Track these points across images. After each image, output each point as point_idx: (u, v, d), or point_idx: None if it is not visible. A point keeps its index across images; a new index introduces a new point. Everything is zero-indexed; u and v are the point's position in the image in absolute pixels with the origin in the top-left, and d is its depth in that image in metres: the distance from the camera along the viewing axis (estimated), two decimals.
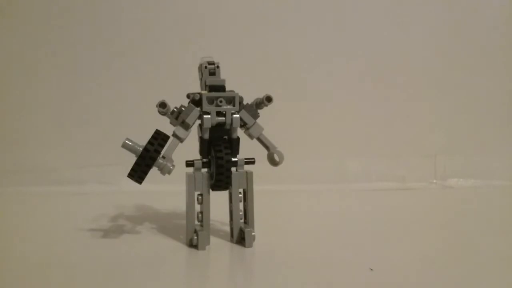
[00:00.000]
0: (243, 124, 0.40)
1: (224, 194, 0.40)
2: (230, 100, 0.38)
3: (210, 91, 0.38)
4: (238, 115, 0.38)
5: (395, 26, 0.78)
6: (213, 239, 0.40)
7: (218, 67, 0.39)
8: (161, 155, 0.37)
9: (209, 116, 0.38)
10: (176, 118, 0.39)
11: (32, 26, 0.77)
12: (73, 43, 0.77)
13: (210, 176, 0.39)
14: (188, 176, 0.39)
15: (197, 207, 0.39)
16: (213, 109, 0.38)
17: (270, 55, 0.76)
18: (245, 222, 0.40)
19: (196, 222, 0.39)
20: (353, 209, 0.58)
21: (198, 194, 0.39)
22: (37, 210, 0.58)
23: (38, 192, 0.68)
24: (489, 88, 0.77)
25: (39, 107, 0.77)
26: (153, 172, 0.37)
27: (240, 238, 0.39)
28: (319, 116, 0.75)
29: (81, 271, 0.33)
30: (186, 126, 0.38)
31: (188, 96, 0.39)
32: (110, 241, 0.41)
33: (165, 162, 0.37)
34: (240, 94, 0.39)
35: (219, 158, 0.37)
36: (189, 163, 0.39)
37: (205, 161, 0.39)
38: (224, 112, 0.38)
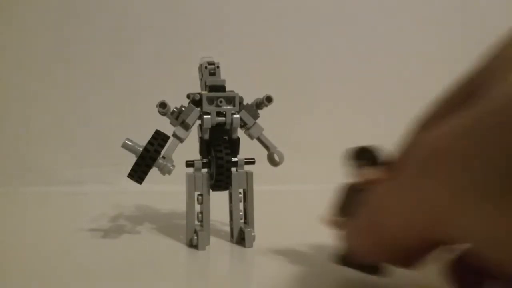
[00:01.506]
0: (243, 124, 0.40)
1: (224, 194, 0.40)
2: (230, 100, 0.38)
3: (210, 91, 0.38)
4: (238, 115, 0.39)
5: (395, 27, 0.78)
6: (213, 239, 0.40)
7: (218, 67, 0.39)
8: (161, 155, 0.37)
9: (209, 116, 0.38)
10: (176, 118, 0.39)
11: (33, 26, 0.77)
12: (73, 43, 0.77)
13: (210, 176, 0.39)
14: (188, 176, 0.39)
15: (197, 207, 0.39)
16: (213, 109, 0.38)
17: (270, 55, 0.76)
18: (245, 222, 0.40)
19: (196, 222, 0.39)
20: None
21: (198, 194, 0.39)
22: (37, 210, 0.58)
23: (38, 192, 0.68)
24: None
25: (40, 107, 0.77)
26: (153, 172, 0.37)
27: (240, 238, 0.39)
28: (319, 116, 0.75)
29: (81, 271, 0.33)
30: (186, 126, 0.38)
31: (188, 96, 0.39)
32: (110, 241, 0.41)
33: (165, 162, 0.37)
34: (240, 94, 0.39)
35: (219, 158, 0.37)
36: (189, 163, 0.39)
37: (205, 161, 0.39)
38: (224, 112, 0.38)
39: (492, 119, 0.18)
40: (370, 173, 0.28)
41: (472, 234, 0.19)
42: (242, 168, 0.40)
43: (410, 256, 0.26)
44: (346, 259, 0.30)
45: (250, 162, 0.40)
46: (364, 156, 0.29)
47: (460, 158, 0.19)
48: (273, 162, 0.40)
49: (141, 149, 0.36)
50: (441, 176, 0.20)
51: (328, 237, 0.43)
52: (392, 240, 0.25)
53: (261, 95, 0.40)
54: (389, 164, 0.27)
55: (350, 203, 0.29)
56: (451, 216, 0.20)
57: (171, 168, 0.37)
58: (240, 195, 0.40)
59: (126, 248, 0.39)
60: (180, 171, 0.39)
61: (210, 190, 0.39)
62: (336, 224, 0.30)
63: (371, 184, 0.27)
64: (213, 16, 0.77)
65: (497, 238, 0.18)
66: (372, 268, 0.29)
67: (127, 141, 0.37)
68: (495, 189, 0.18)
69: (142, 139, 0.37)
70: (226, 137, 0.39)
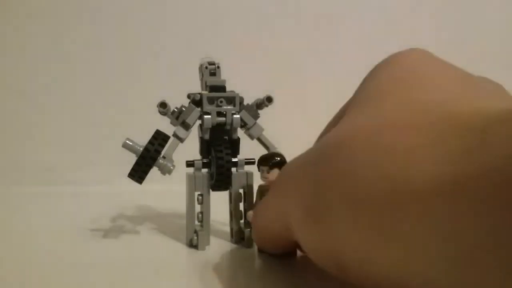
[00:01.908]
0: (244, 125, 0.40)
1: (224, 194, 0.40)
2: (231, 101, 0.38)
3: (210, 91, 0.39)
4: (238, 116, 0.39)
5: (395, 26, 0.78)
6: (213, 239, 0.40)
7: (218, 67, 0.40)
8: (161, 155, 0.37)
9: (209, 116, 0.38)
10: (177, 118, 0.39)
11: (33, 25, 0.77)
12: (73, 42, 0.77)
13: (210, 176, 0.39)
14: (188, 176, 0.39)
15: (197, 207, 0.39)
16: (213, 109, 0.38)
17: (271, 55, 0.76)
18: (245, 222, 0.40)
19: (196, 222, 0.39)
20: None
21: (198, 194, 0.39)
22: (37, 210, 0.58)
23: (38, 192, 0.68)
24: None
25: (39, 107, 0.77)
26: (153, 172, 0.37)
27: (240, 238, 0.39)
28: (320, 116, 0.75)
29: (80, 271, 0.33)
30: (187, 126, 0.39)
31: (188, 96, 0.39)
32: (110, 241, 0.41)
33: (165, 162, 0.37)
34: (240, 95, 0.39)
35: (219, 159, 0.37)
36: (190, 163, 0.39)
37: (205, 161, 0.39)
38: (224, 113, 0.38)
39: (308, 160, 0.24)
40: (272, 176, 0.34)
41: (303, 244, 0.24)
42: (242, 168, 0.40)
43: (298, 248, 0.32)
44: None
45: (250, 162, 0.40)
46: (269, 162, 0.35)
47: (287, 187, 0.26)
48: None
49: (141, 149, 0.36)
50: (286, 195, 0.26)
51: None
52: (270, 238, 0.31)
53: (261, 95, 0.40)
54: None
55: (259, 201, 0.36)
56: (292, 228, 0.24)
57: (171, 168, 0.37)
58: (240, 195, 0.40)
59: (126, 248, 0.39)
60: (180, 171, 0.39)
61: (210, 190, 0.39)
62: (251, 218, 0.35)
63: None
64: (213, 16, 0.77)
65: (316, 251, 0.23)
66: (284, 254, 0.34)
67: (127, 141, 0.37)
68: (311, 213, 0.22)
69: (142, 139, 0.37)
70: (227, 137, 0.39)
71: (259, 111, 0.40)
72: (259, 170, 0.36)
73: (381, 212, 0.17)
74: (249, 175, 0.40)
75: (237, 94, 0.39)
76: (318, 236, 0.21)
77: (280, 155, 0.36)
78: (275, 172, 0.35)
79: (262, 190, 0.36)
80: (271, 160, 0.35)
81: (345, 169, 0.20)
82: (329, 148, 0.22)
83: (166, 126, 0.39)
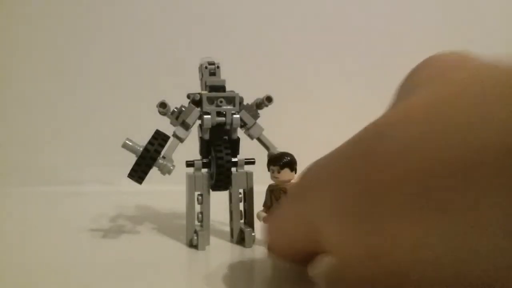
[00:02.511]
0: (243, 125, 0.40)
1: (224, 194, 0.40)
2: (230, 100, 0.38)
3: (210, 91, 0.39)
4: (238, 115, 0.39)
5: (396, 26, 0.78)
6: (213, 239, 0.40)
7: (218, 67, 0.40)
8: (161, 155, 0.37)
9: (209, 116, 0.38)
10: (177, 118, 0.39)
11: (32, 25, 0.77)
12: (73, 43, 0.77)
13: (210, 176, 0.39)
14: (188, 176, 0.39)
15: (197, 207, 0.39)
16: (213, 109, 0.38)
17: (271, 55, 0.76)
18: (245, 222, 0.40)
19: (196, 222, 0.39)
20: None
21: (198, 194, 0.39)
22: (37, 210, 0.58)
23: (38, 192, 0.68)
24: None
25: (39, 107, 0.77)
26: (153, 172, 0.37)
27: (240, 238, 0.39)
28: (320, 116, 0.75)
29: (80, 271, 0.33)
30: (187, 126, 0.39)
31: (188, 96, 0.39)
32: (110, 241, 0.41)
33: (165, 162, 0.37)
34: (240, 94, 0.39)
35: (219, 158, 0.37)
36: (189, 163, 0.39)
37: (205, 161, 0.39)
38: (224, 112, 0.38)
39: (345, 153, 0.21)
40: (282, 176, 0.34)
41: (337, 252, 0.21)
42: (242, 168, 0.40)
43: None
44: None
45: (250, 162, 0.40)
46: (280, 161, 0.35)
47: (312, 194, 0.22)
48: None
49: (141, 149, 0.36)
50: (311, 203, 0.22)
51: None
52: (287, 252, 0.28)
53: (261, 95, 0.40)
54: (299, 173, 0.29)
55: (269, 201, 0.37)
56: (320, 233, 0.22)
57: (171, 168, 0.37)
58: (240, 195, 0.40)
59: (126, 248, 0.39)
60: (180, 171, 0.39)
61: (210, 190, 0.39)
62: (262, 219, 0.36)
63: (282, 185, 0.32)
64: (213, 16, 0.77)
65: (356, 257, 0.20)
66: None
67: (127, 141, 0.37)
68: (352, 211, 0.19)
69: (142, 139, 0.37)
70: (226, 137, 0.39)
71: (259, 111, 0.40)
72: (269, 170, 0.36)
73: (453, 187, 0.16)
74: (249, 175, 0.40)
75: (237, 94, 0.39)
76: (368, 240, 0.19)
77: (290, 154, 0.36)
78: (285, 172, 0.35)
79: (272, 190, 0.37)
80: (281, 160, 0.35)
81: (403, 146, 0.18)
82: (376, 132, 0.20)
83: (166, 126, 0.39)
